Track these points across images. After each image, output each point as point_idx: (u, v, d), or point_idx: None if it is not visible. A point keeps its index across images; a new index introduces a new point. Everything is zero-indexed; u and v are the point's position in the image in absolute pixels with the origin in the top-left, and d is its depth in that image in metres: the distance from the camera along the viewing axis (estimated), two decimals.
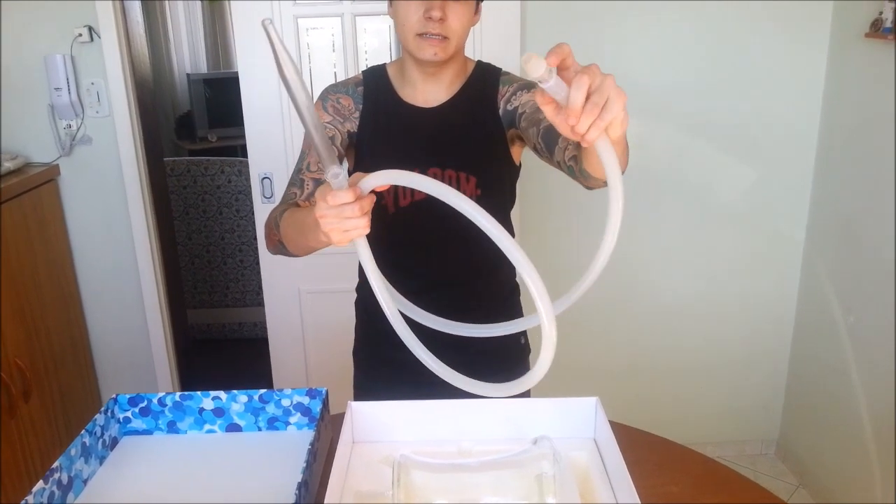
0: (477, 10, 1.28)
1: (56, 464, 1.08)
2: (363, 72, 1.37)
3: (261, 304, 3.79)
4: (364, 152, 1.34)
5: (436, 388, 1.36)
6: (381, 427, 1.17)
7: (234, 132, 4.55)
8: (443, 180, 1.27)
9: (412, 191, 1.29)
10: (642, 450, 1.23)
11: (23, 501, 1.00)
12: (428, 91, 1.31)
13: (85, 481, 1.17)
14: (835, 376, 2.42)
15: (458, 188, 1.26)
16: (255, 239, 3.71)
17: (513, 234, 1.47)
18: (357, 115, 1.33)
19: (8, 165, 2.21)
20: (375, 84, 1.32)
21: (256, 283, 3.79)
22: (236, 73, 2.33)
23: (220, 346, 3.81)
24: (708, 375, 2.75)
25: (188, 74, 5.09)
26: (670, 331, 2.70)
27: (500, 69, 1.36)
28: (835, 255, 2.41)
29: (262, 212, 2.40)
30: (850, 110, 2.30)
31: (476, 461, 1.07)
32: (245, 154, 2.45)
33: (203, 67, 5.34)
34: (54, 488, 1.07)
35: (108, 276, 2.52)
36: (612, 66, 2.31)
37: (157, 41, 4.98)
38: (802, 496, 2.58)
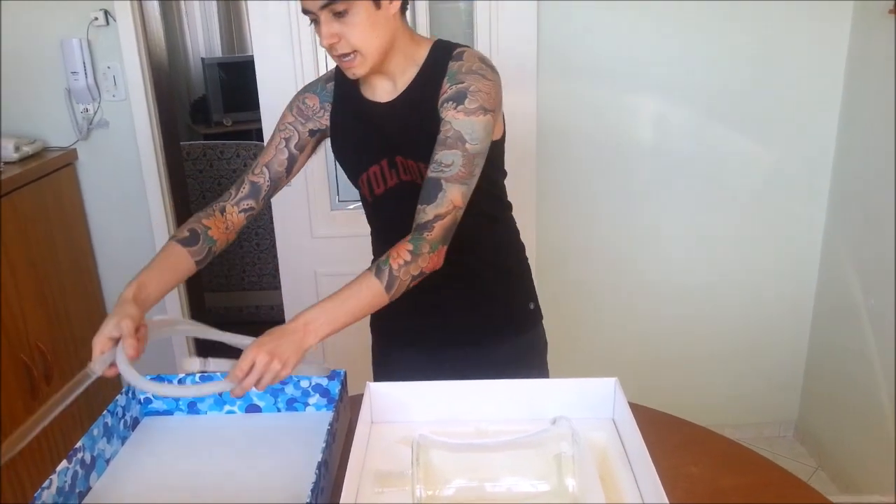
0: (379, 5, 1.17)
1: (79, 444, 1.10)
2: (336, 68, 1.35)
3: (277, 287, 3.82)
4: (336, 145, 1.37)
5: (449, 351, 1.37)
6: (400, 407, 1.18)
7: (249, 116, 4.55)
8: (402, 171, 1.30)
9: (384, 179, 1.32)
10: (661, 431, 1.23)
11: (47, 480, 1.02)
12: (379, 87, 1.30)
13: (108, 461, 1.19)
14: (854, 359, 2.39)
15: (420, 176, 1.26)
16: (271, 222, 3.72)
17: (509, 208, 1.46)
18: (323, 112, 1.35)
19: (26, 150, 2.23)
20: (343, 80, 1.32)
21: (273, 266, 3.81)
22: (251, 56, 2.32)
23: (237, 329, 3.80)
24: (726, 358, 2.74)
25: (203, 58, 5.09)
26: (687, 314, 2.68)
27: (450, 54, 1.26)
28: (855, 238, 2.38)
29: (278, 195, 2.40)
30: (873, 89, 2.26)
31: (494, 441, 1.08)
32: (260, 138, 2.46)
33: (218, 51, 5.33)
34: (77, 467, 1.09)
35: (127, 259, 2.53)
36: (629, 44, 2.30)
37: (171, 25, 4.97)
38: (821, 478, 2.57)
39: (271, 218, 3.73)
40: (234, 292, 3.87)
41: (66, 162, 2.35)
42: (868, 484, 2.33)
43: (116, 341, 1.09)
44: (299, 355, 1.06)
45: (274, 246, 3.77)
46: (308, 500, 0.95)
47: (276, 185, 1.35)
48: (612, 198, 2.51)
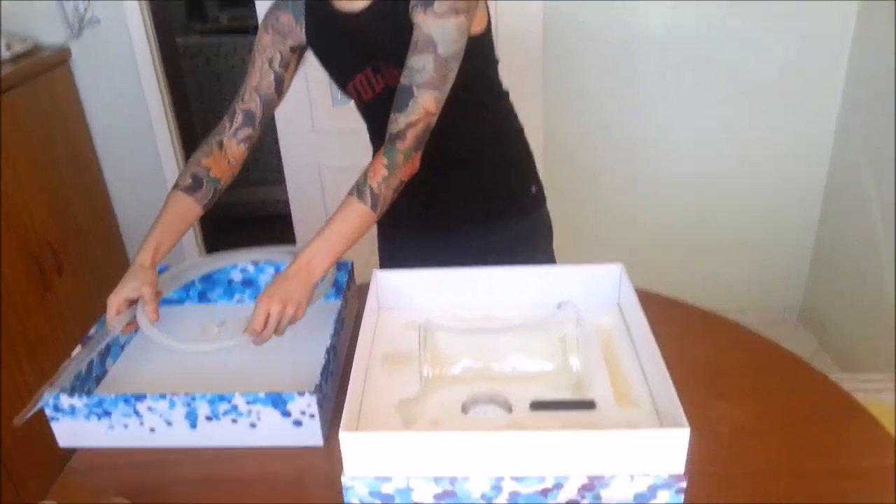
0: None
1: (92, 331, 1.13)
2: None
3: (281, 182, 3.81)
4: (318, 57, 1.33)
5: (451, 236, 1.41)
6: (406, 295, 1.19)
7: (245, 12, 4.41)
8: (388, 76, 1.26)
9: (371, 86, 1.29)
10: (665, 315, 1.24)
11: (63, 364, 1.05)
12: None
13: (122, 347, 1.22)
14: (862, 245, 2.40)
15: None
16: (273, 118, 3.68)
17: (505, 96, 1.42)
18: (299, 27, 1.30)
19: (17, 48, 2.17)
20: None
21: (277, 161, 3.78)
22: None
23: (244, 224, 3.85)
24: (733, 246, 2.75)
25: None
26: (696, 203, 2.67)
27: None
28: (869, 125, 2.33)
29: None
30: None
31: (500, 324, 1.09)
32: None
33: None
34: (92, 354, 1.11)
35: (129, 156, 2.52)
36: None
37: None
38: (823, 359, 2.62)
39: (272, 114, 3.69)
40: (239, 188, 3.85)
41: (61, 60, 2.30)
42: (868, 364, 2.38)
43: (132, 302, 1.12)
44: (309, 293, 1.08)
45: (276, 141, 3.75)
46: (317, 382, 0.98)
47: (269, 108, 1.31)
48: (621, 90, 2.46)
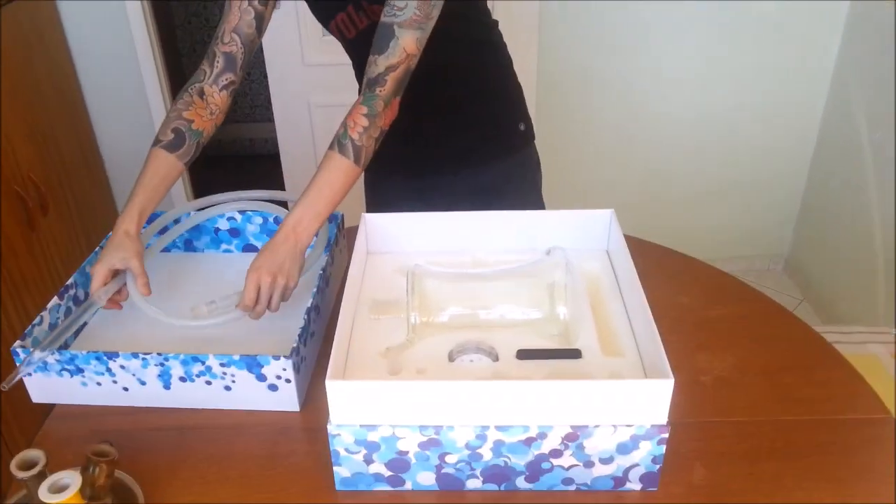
0: None
1: (70, 280, 1.10)
2: None
3: (270, 119, 3.74)
4: None
5: (438, 177, 1.39)
6: (395, 239, 1.18)
7: None
8: (368, 15, 1.22)
9: (354, 23, 1.25)
10: (653, 262, 1.24)
11: (38, 317, 1.03)
12: None
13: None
14: (851, 193, 2.39)
15: None
16: (262, 51, 3.59)
17: (494, 26, 1.38)
18: None
19: None
20: None
21: (265, 97, 3.71)
22: None
23: (232, 161, 3.80)
24: (723, 193, 2.74)
25: None
26: (688, 146, 2.65)
27: None
28: (869, 66, 2.30)
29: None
30: None
31: (488, 271, 1.09)
32: None
33: None
34: (70, 304, 1.10)
35: (114, 89, 2.46)
36: None
37: None
38: (805, 309, 2.65)
39: (261, 46, 3.60)
40: (227, 125, 3.78)
41: None
42: (850, 316, 2.41)
43: (115, 273, 1.08)
44: (299, 261, 1.05)
45: (265, 75, 3.67)
46: (294, 345, 0.96)
47: (250, 49, 1.24)
48: (618, 25, 2.40)
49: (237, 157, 3.82)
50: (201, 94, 1.20)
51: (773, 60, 2.48)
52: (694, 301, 1.24)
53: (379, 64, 1.09)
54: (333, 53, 2.30)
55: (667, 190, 2.73)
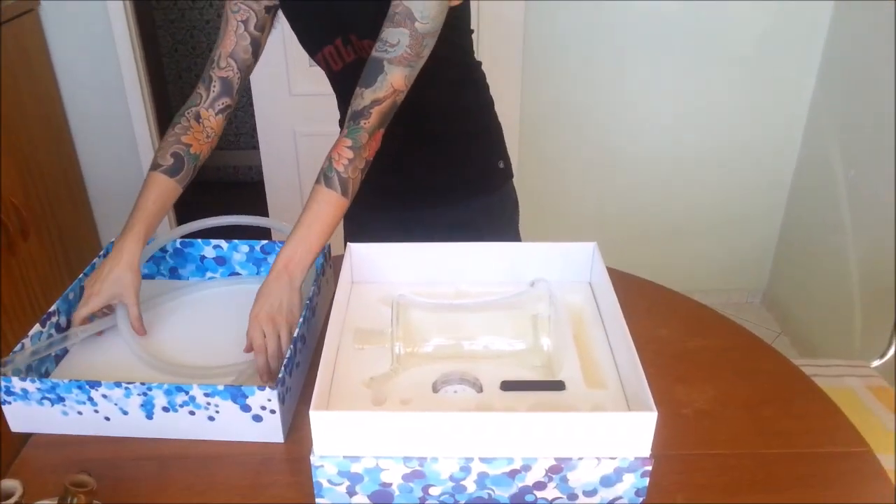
0: None
1: (53, 307, 1.09)
2: None
3: (254, 146, 3.75)
4: (288, 21, 1.28)
5: (416, 211, 1.39)
6: (380, 269, 1.18)
7: None
8: (358, 48, 1.23)
9: (341, 56, 1.26)
10: (634, 294, 1.25)
11: (19, 344, 1.02)
12: None
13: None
14: (828, 229, 2.44)
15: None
16: (248, 79, 3.61)
17: (477, 68, 1.40)
18: None
19: None
20: None
21: (250, 125, 3.72)
22: None
23: (215, 188, 3.79)
24: (700, 226, 2.77)
25: None
26: (667, 183, 2.69)
27: None
28: (842, 107, 2.36)
29: None
30: None
31: (472, 302, 1.09)
32: None
33: None
34: (52, 331, 1.09)
35: (98, 113, 2.46)
36: None
37: None
38: (783, 343, 2.68)
39: None
40: (212, 152, 3.79)
41: (28, 9, 2.22)
42: (827, 350, 2.44)
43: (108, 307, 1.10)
44: (297, 296, 1.05)
45: (250, 103, 3.68)
46: (280, 375, 0.96)
47: (245, 74, 1.26)
48: (600, 65, 2.45)
49: (221, 183, 3.82)
50: (198, 117, 1.22)
51: (751, 101, 2.54)
52: (674, 333, 1.26)
53: (365, 97, 1.10)
54: (320, 83, 2.32)
55: (647, 225, 2.76)
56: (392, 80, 1.10)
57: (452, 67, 1.33)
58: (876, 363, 1.75)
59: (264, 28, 1.26)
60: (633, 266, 1.44)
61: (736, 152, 2.64)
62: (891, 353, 1.75)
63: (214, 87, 1.22)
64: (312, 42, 1.29)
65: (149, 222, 1.13)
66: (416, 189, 1.41)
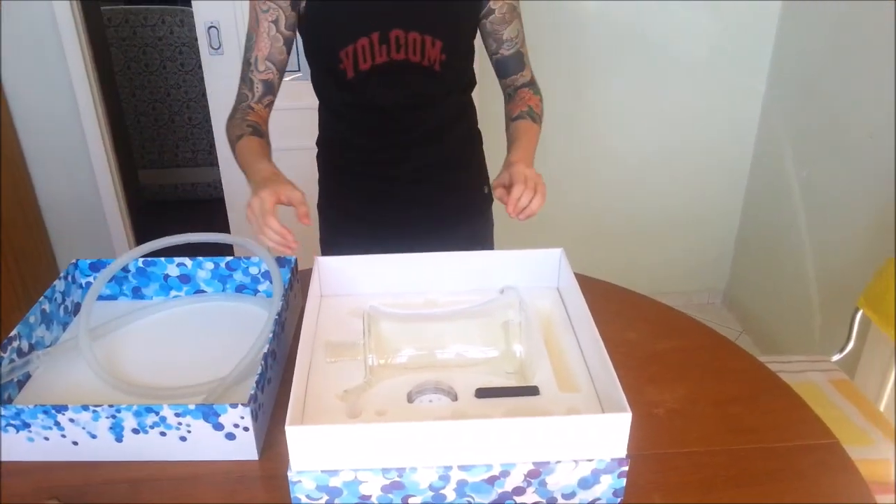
0: None
1: (14, 332, 1.06)
2: None
3: (213, 163, 3.71)
4: (314, 13, 1.23)
5: (404, 242, 1.38)
6: (349, 281, 1.17)
7: None
8: (395, 47, 1.23)
9: (373, 54, 1.23)
10: (600, 299, 1.26)
11: None
12: None
13: (48, 347, 1.15)
14: (784, 229, 2.50)
15: (424, 52, 1.23)
16: (204, 96, 3.56)
17: (475, 117, 1.44)
18: None
19: None
20: None
21: (207, 142, 3.68)
22: None
23: (173, 207, 3.74)
24: (660, 229, 2.82)
25: None
26: (626, 186, 2.73)
27: None
28: (793, 109, 2.42)
29: (210, 64, 2.28)
30: None
31: (443, 311, 1.09)
32: (187, 2, 2.30)
33: None
34: (14, 356, 1.05)
35: (51, 132, 2.41)
36: None
37: None
38: (745, 341, 2.73)
39: (203, 90, 3.58)
40: (168, 169, 3.74)
41: None
42: (788, 346, 2.49)
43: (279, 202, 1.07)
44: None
45: (207, 120, 3.64)
46: (252, 392, 0.94)
47: (283, 71, 1.30)
48: (555, 72, 2.48)
49: (179, 202, 3.77)
50: (251, 108, 1.27)
51: (705, 105, 2.60)
52: (642, 336, 1.27)
53: (525, 75, 1.35)
54: (281, 97, 2.33)
55: (605, 230, 2.80)
56: (528, 57, 1.33)
57: (465, 89, 1.38)
58: (836, 357, 1.80)
59: (294, 26, 1.26)
60: (595, 270, 1.45)
61: (691, 156, 2.69)
62: (850, 346, 1.80)
63: (257, 88, 1.27)
64: (344, 33, 1.22)
65: (264, 152, 1.18)
66: (402, 220, 1.42)
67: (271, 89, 1.28)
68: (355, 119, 1.33)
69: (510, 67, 1.33)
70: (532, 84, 1.35)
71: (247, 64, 1.27)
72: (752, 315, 2.77)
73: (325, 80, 1.31)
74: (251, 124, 1.22)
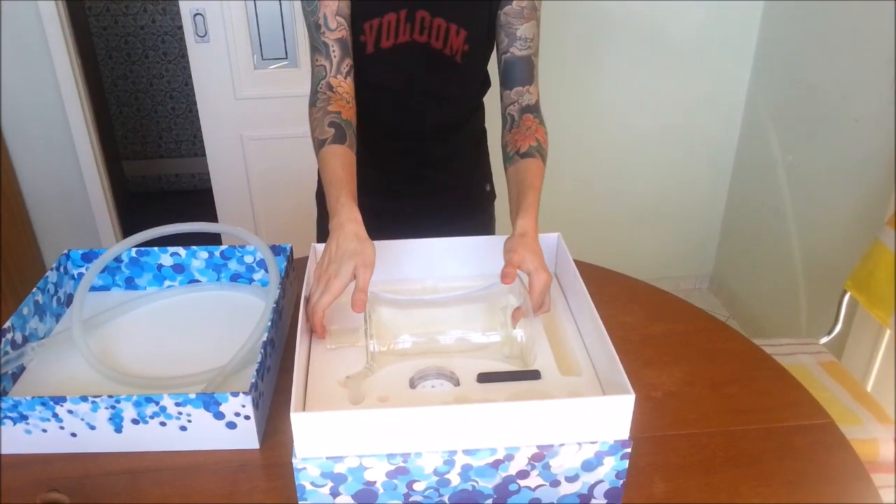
0: None
1: (7, 324, 1.05)
2: None
3: (196, 154, 3.68)
4: None
5: (403, 236, 1.38)
6: None
7: None
8: (418, 29, 1.21)
9: (396, 31, 1.21)
10: (594, 282, 1.26)
11: None
12: None
13: (42, 339, 1.14)
14: (769, 214, 2.52)
15: (447, 40, 1.22)
16: (187, 85, 3.53)
17: (483, 117, 1.44)
18: None
19: None
20: None
21: (191, 132, 3.65)
22: None
23: (158, 198, 3.70)
24: (646, 215, 2.84)
25: None
26: (611, 172, 2.74)
27: None
28: (778, 94, 2.44)
29: (196, 52, 2.26)
30: None
31: (443, 296, 1.09)
32: None
33: None
34: (8, 348, 1.04)
35: (35, 124, 2.37)
36: None
37: None
38: (732, 326, 2.75)
39: (186, 80, 3.54)
40: (152, 160, 3.70)
41: None
42: (775, 329, 2.52)
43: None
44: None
45: (190, 110, 3.62)
46: (252, 381, 0.94)
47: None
48: (545, 60, 2.47)
49: (164, 192, 3.73)
50: (330, 87, 1.16)
51: (690, 92, 2.61)
52: (637, 319, 1.28)
53: (532, 92, 1.24)
54: (265, 86, 2.31)
55: (591, 215, 2.81)
56: (538, 73, 1.23)
57: (480, 88, 1.37)
58: (824, 339, 1.82)
59: None
60: (580, 257, 1.46)
61: (678, 142, 2.70)
62: (838, 328, 1.82)
63: (334, 52, 1.16)
64: (375, 5, 1.19)
65: (350, 188, 1.06)
66: (403, 214, 1.41)
67: (348, 50, 1.17)
68: (362, 102, 1.28)
69: (517, 74, 1.22)
70: (537, 111, 1.24)
71: (315, 28, 1.16)
72: (739, 300, 2.79)
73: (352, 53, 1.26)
74: (333, 121, 1.12)
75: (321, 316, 0.97)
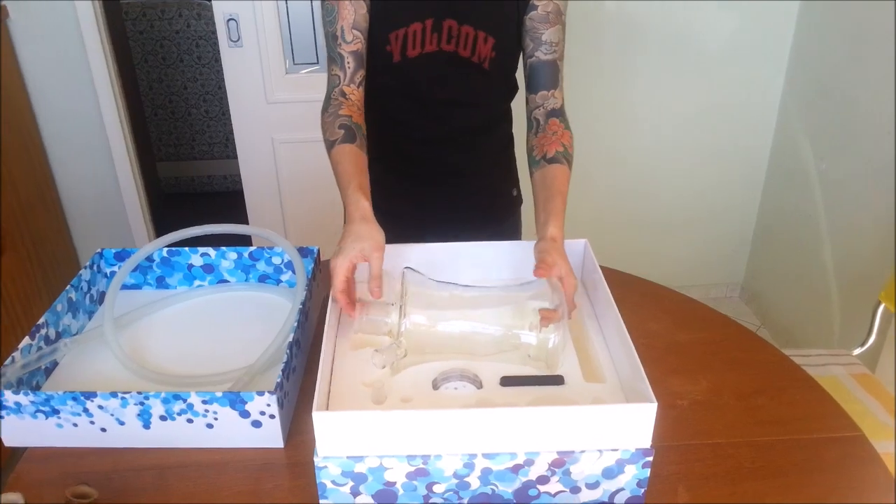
0: None
1: (42, 320, 1.07)
2: None
3: (228, 156, 3.73)
4: None
5: (429, 237, 1.38)
6: None
7: None
8: (446, 38, 1.22)
9: (423, 41, 1.22)
10: (622, 289, 1.25)
11: (10, 357, 1.00)
12: None
13: (74, 335, 1.16)
14: (802, 222, 2.48)
15: (475, 48, 1.23)
16: (220, 88, 3.58)
17: (511, 122, 1.43)
18: None
19: None
20: None
21: (223, 135, 3.70)
22: None
23: (190, 199, 3.75)
24: (678, 223, 2.81)
25: None
26: (644, 179, 2.72)
27: None
28: (811, 103, 2.40)
29: (229, 57, 2.29)
30: None
31: (470, 294, 1.08)
32: None
33: None
34: (42, 343, 1.07)
35: (72, 125, 2.42)
36: None
37: None
38: (763, 335, 2.71)
39: (219, 84, 3.59)
40: (184, 162, 3.76)
41: None
42: (807, 340, 2.47)
43: (355, 268, 1.01)
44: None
45: (223, 113, 3.66)
46: (278, 380, 0.95)
47: (366, 42, 1.23)
48: (574, 65, 2.46)
49: (196, 194, 3.79)
50: (343, 94, 1.20)
51: (723, 99, 2.58)
52: (663, 327, 1.27)
53: (557, 97, 1.24)
54: (296, 90, 2.33)
55: (623, 223, 2.78)
56: (563, 77, 1.23)
57: (508, 96, 1.37)
58: (857, 351, 1.79)
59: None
60: (610, 264, 1.45)
61: (710, 150, 2.67)
62: (871, 340, 1.79)
63: (348, 63, 1.19)
64: (398, 15, 1.21)
65: (358, 181, 1.08)
66: (431, 219, 1.41)
67: (362, 62, 1.20)
68: (389, 108, 1.30)
69: (542, 78, 1.23)
70: (563, 115, 1.24)
71: (332, 38, 1.19)
72: (771, 309, 2.75)
73: (368, 61, 1.27)
74: (344, 123, 1.15)
75: (342, 279, 0.97)
